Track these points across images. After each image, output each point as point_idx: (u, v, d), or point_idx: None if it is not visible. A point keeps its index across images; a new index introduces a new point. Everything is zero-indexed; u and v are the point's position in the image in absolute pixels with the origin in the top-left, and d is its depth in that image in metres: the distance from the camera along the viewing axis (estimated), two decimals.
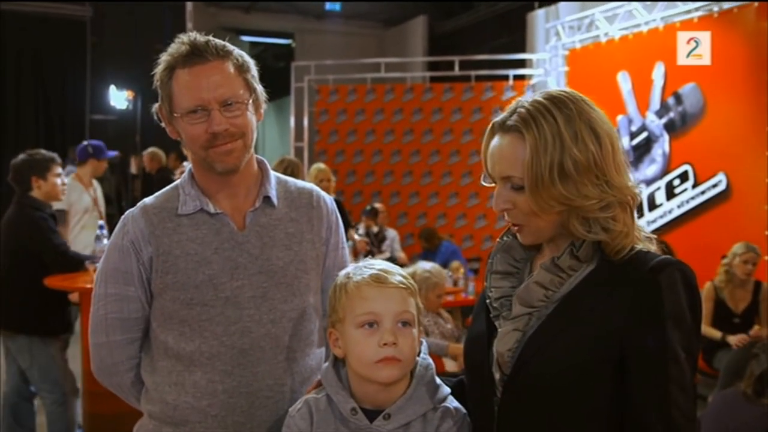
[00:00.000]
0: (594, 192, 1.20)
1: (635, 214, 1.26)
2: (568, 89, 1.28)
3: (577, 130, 1.20)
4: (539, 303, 1.25)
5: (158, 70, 1.49)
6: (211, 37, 1.49)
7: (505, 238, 1.37)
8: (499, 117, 1.29)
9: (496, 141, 1.28)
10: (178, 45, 1.47)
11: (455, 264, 6.64)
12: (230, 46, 1.50)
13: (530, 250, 1.35)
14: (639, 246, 1.25)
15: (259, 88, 1.53)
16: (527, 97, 1.27)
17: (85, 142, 5.43)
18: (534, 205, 1.21)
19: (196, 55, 1.45)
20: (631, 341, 1.18)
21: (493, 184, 1.30)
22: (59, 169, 3.99)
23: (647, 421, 1.17)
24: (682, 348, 1.17)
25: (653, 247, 1.26)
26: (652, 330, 1.17)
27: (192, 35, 1.48)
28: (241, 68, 1.49)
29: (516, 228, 1.29)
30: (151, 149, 8.19)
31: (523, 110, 1.23)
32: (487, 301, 1.34)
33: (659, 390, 1.17)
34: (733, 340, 4.50)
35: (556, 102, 1.23)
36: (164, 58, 1.48)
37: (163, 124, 1.54)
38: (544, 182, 1.19)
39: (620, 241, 1.21)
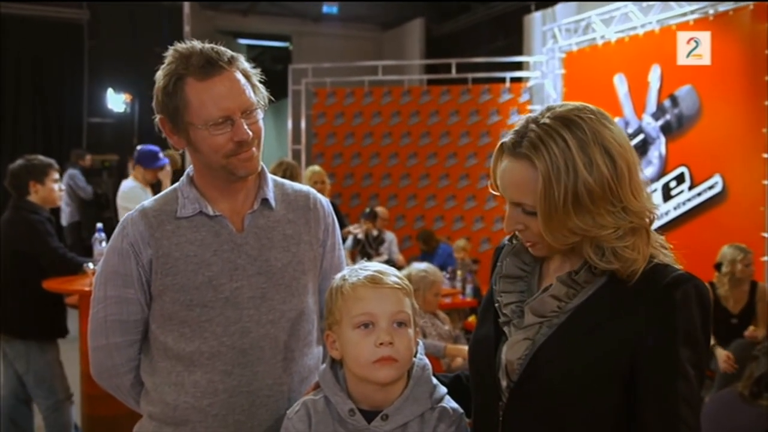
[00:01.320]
0: (610, 221, 1.17)
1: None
2: (580, 105, 1.23)
3: (591, 155, 1.16)
4: (551, 313, 1.25)
5: (161, 80, 1.47)
6: (214, 45, 1.49)
7: (514, 241, 1.37)
8: (508, 137, 1.24)
9: (506, 165, 1.23)
10: (185, 55, 1.45)
11: (462, 243, 6.70)
12: (231, 51, 1.50)
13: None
14: (657, 259, 1.23)
15: (263, 89, 1.54)
16: (538, 116, 1.22)
17: (138, 147, 5.37)
18: (548, 235, 1.19)
19: (211, 65, 1.45)
20: (642, 356, 1.17)
21: (500, 193, 1.29)
22: (56, 175, 3.99)
23: None
24: (692, 365, 1.17)
25: (670, 256, 1.24)
26: (663, 346, 1.17)
27: (197, 44, 1.48)
28: (246, 73, 1.51)
29: (529, 244, 1.28)
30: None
31: (533, 134, 1.19)
32: (496, 305, 1.33)
33: (668, 406, 1.16)
34: (722, 356, 4.42)
35: (568, 124, 1.18)
36: (168, 68, 1.47)
37: (163, 136, 1.53)
38: (558, 213, 1.17)
39: (630, 266, 1.19)
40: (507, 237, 1.41)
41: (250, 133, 1.47)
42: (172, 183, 1.63)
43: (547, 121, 1.20)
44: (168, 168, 5.24)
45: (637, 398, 1.19)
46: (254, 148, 1.50)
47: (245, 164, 1.49)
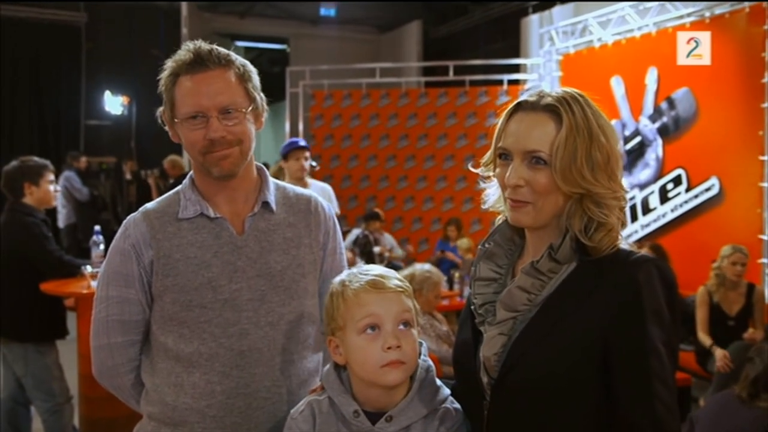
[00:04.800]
0: (608, 184, 1.24)
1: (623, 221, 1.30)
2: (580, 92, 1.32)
3: (600, 123, 1.25)
4: (522, 307, 1.27)
5: (163, 76, 1.53)
6: (215, 46, 1.52)
7: (486, 245, 1.39)
8: (525, 97, 1.31)
9: (523, 117, 1.29)
10: (183, 53, 1.51)
11: (467, 243, 6.74)
12: (234, 55, 1.53)
13: (511, 254, 1.38)
14: (621, 245, 1.27)
15: (260, 97, 1.56)
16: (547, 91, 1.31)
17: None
18: (561, 179, 1.23)
19: (198, 63, 1.48)
20: (613, 339, 1.20)
21: (490, 174, 1.35)
22: (51, 176, 3.98)
23: (632, 417, 1.19)
24: (662, 343, 1.20)
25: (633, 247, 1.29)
26: (632, 327, 1.19)
27: (198, 43, 1.51)
28: (243, 77, 1.52)
29: (518, 205, 1.28)
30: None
31: (555, 94, 1.27)
32: (472, 307, 1.36)
33: (642, 385, 1.19)
34: (719, 355, 4.45)
35: (578, 95, 1.28)
36: (169, 64, 1.52)
37: (166, 128, 1.58)
38: (576, 162, 1.22)
39: (608, 233, 1.24)
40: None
41: (223, 133, 1.47)
42: (173, 186, 1.65)
43: (565, 89, 1.29)
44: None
45: (611, 380, 1.21)
46: (232, 149, 1.50)
47: (219, 163, 1.50)
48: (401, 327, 1.34)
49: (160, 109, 1.56)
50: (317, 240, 1.64)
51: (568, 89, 1.30)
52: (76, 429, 3.96)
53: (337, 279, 1.42)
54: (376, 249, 6.73)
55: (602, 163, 1.23)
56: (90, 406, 3.67)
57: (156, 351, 1.55)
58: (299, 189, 1.70)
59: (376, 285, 1.36)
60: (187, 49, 1.51)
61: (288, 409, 1.46)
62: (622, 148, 1.36)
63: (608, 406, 1.22)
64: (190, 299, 1.49)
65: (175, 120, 1.51)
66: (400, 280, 1.39)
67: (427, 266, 4.38)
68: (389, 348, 1.31)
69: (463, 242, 7.13)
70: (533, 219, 1.29)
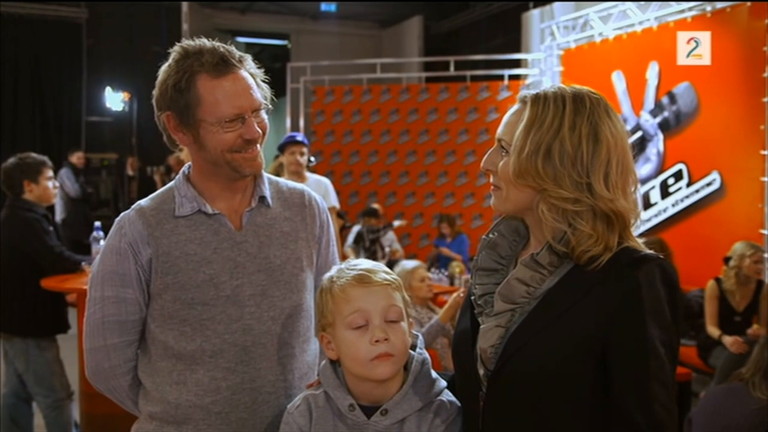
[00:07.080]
0: (569, 185, 1.22)
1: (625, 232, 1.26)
2: (597, 94, 1.30)
3: (579, 125, 1.23)
4: (521, 299, 1.27)
5: (172, 77, 1.47)
6: (222, 44, 1.51)
7: (490, 236, 1.40)
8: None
9: (510, 109, 1.36)
10: (196, 52, 1.46)
11: (457, 266, 6.72)
12: (239, 51, 1.52)
13: (515, 245, 1.38)
14: (628, 242, 1.26)
15: (267, 89, 1.57)
16: (565, 85, 1.32)
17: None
18: (513, 172, 1.25)
19: (225, 63, 1.47)
20: (612, 337, 1.19)
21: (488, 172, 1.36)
22: (50, 173, 3.99)
23: (630, 417, 1.19)
24: (662, 343, 1.19)
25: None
26: (632, 326, 1.19)
27: (201, 41, 1.49)
28: (254, 74, 1.53)
29: (493, 190, 1.34)
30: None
31: (545, 90, 1.29)
32: (472, 297, 1.36)
33: (640, 385, 1.18)
34: (729, 341, 4.46)
35: (575, 95, 1.27)
36: (178, 64, 1.47)
37: (161, 131, 1.54)
38: (528, 154, 1.23)
39: (586, 243, 1.22)
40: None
41: (260, 131, 1.49)
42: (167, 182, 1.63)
43: (563, 87, 1.30)
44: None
45: (610, 379, 1.20)
46: (257, 148, 1.52)
47: (251, 163, 1.51)
48: (389, 320, 1.35)
49: (164, 113, 1.50)
50: (313, 233, 1.65)
51: (579, 87, 1.30)
52: (77, 424, 3.97)
53: (327, 275, 1.43)
54: (386, 241, 6.77)
55: (569, 159, 1.22)
56: (91, 401, 3.67)
57: (155, 350, 1.54)
58: (291, 183, 1.71)
59: (362, 280, 1.37)
60: (197, 48, 1.47)
61: (290, 403, 1.46)
62: (628, 162, 1.31)
63: (605, 403, 1.21)
64: (191, 297, 1.49)
65: (206, 122, 1.46)
66: (387, 274, 1.40)
67: (404, 261, 4.49)
68: (377, 341, 1.32)
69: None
70: (501, 206, 1.32)
